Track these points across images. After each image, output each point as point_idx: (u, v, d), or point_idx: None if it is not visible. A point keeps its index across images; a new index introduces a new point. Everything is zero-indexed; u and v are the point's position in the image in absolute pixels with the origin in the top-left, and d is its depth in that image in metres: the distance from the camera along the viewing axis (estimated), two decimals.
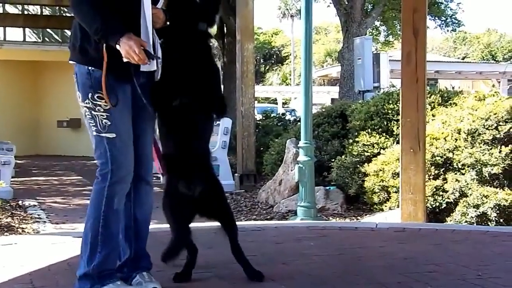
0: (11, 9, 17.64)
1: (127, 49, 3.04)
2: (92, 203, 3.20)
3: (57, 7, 16.84)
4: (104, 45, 3.08)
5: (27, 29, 18.09)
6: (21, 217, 7.40)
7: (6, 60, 17.74)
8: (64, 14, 17.86)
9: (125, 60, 3.06)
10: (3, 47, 17.62)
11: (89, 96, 3.13)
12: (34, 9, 17.66)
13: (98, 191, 3.18)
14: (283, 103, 40.99)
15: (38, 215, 7.71)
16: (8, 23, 16.81)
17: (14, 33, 18.12)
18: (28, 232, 6.51)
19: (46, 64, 18.51)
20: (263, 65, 53.33)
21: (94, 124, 3.16)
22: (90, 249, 3.15)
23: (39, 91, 18.99)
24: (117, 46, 3.05)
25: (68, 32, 18.47)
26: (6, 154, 10.30)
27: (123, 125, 3.20)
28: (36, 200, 9.02)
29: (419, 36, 5.92)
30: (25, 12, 17.67)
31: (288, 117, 15.22)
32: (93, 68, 3.13)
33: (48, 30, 18.28)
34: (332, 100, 28.87)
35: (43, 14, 17.61)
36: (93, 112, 3.14)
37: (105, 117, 3.14)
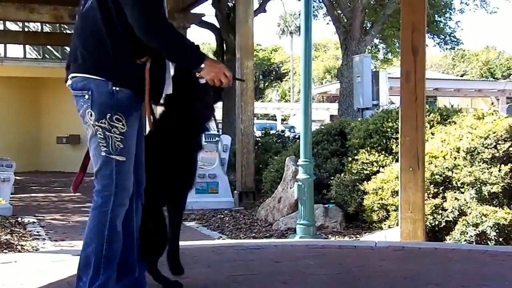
0: (11, 26, 17.72)
1: (216, 71, 3.14)
2: (94, 227, 3.13)
3: (58, 24, 16.93)
4: (148, 66, 3.09)
5: (27, 46, 18.18)
6: (20, 234, 7.39)
7: (7, 76, 17.80)
8: (64, 31, 17.97)
9: (204, 82, 3.19)
10: (4, 63, 17.71)
11: (107, 116, 3.06)
12: (34, 26, 17.75)
13: (100, 215, 3.13)
14: (282, 120, 41.06)
15: (38, 232, 7.70)
16: (9, 40, 16.91)
17: (15, 50, 18.21)
18: (27, 250, 6.50)
19: (46, 81, 18.56)
20: (262, 82, 53.48)
21: (105, 145, 3.09)
22: (93, 271, 3.10)
23: (39, 108, 19.03)
24: (202, 67, 3.13)
25: (68, 49, 18.62)
26: (5, 170, 10.32)
27: (132, 149, 3.18)
28: (36, 217, 9.01)
29: (418, 55, 5.95)
30: (26, 29, 17.76)
31: (287, 134, 15.25)
32: (117, 89, 3.06)
33: (49, 47, 18.38)
34: (331, 117, 28.96)
35: (44, 31, 17.70)
36: (107, 133, 3.08)
37: (119, 139, 3.09)
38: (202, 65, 3.13)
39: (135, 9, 3.01)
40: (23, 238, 7.15)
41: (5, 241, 6.76)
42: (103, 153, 3.11)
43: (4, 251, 6.23)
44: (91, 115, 3.09)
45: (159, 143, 3.44)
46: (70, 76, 3.17)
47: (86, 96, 3.08)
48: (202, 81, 3.25)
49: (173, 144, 3.45)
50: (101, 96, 3.06)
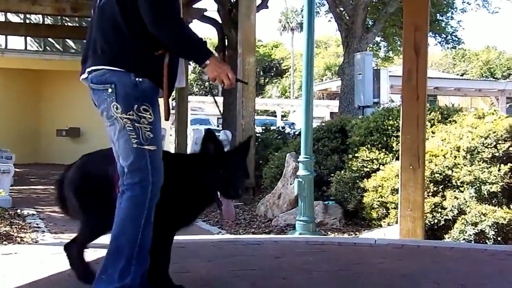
0: (13, 17, 17.71)
1: (219, 70, 3.13)
2: (129, 217, 3.11)
3: (59, 17, 16.91)
4: (166, 58, 3.11)
5: (28, 38, 18.17)
6: (19, 226, 7.41)
7: (7, 68, 17.81)
8: (65, 24, 17.95)
9: (211, 80, 3.15)
10: (5, 55, 17.70)
11: (135, 108, 3.07)
12: (36, 18, 17.73)
13: (139, 204, 3.11)
14: (282, 116, 41.07)
15: (37, 224, 7.71)
16: (10, 32, 16.88)
17: (16, 42, 18.19)
18: (27, 242, 6.51)
19: (46, 73, 18.58)
20: (263, 78, 53.47)
21: (135, 136, 3.08)
22: (125, 263, 3.08)
23: (39, 100, 19.04)
24: (206, 64, 3.12)
25: (70, 42, 18.62)
26: (5, 162, 10.32)
27: (160, 136, 3.19)
28: (35, 209, 9.02)
29: (420, 54, 5.96)
30: (27, 21, 17.74)
31: (287, 130, 15.26)
32: (141, 79, 3.08)
33: (50, 39, 18.36)
34: (331, 114, 28.97)
35: (45, 23, 17.68)
36: (136, 124, 3.08)
37: (148, 129, 3.09)
38: (207, 61, 3.13)
39: (147, 3, 3.03)
40: (22, 230, 7.17)
41: (4, 232, 6.77)
42: (135, 145, 3.09)
43: (4, 242, 6.25)
44: (116, 108, 3.08)
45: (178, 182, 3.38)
46: (89, 69, 3.15)
47: (110, 90, 3.08)
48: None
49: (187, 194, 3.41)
50: (126, 88, 3.07)
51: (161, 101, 3.22)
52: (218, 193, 3.34)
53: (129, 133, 3.09)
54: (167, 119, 3.26)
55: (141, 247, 3.12)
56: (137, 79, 3.08)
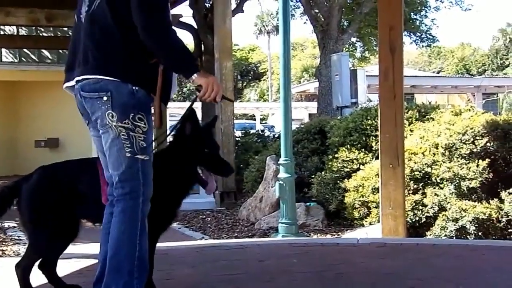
0: None
1: (208, 82, 3.08)
2: (125, 230, 3.08)
3: (34, 27, 16.76)
4: (161, 68, 3.08)
5: (3, 49, 17.99)
6: (1, 239, 7.34)
7: None
8: (40, 34, 17.80)
9: (202, 92, 3.10)
10: None
11: (131, 116, 3.03)
12: (10, 30, 17.57)
13: (132, 217, 3.08)
14: (261, 119, 41.09)
15: (18, 236, 7.63)
16: None
17: None
18: (8, 254, 6.45)
19: (23, 84, 18.39)
20: (241, 82, 53.49)
21: (129, 145, 3.05)
22: (128, 277, 3.05)
23: (16, 111, 18.84)
24: (193, 77, 3.08)
25: (45, 52, 18.47)
26: None
27: (152, 147, 3.18)
28: (16, 221, 8.92)
29: (395, 53, 6.01)
30: (1, 32, 17.57)
31: (267, 133, 15.28)
32: (137, 88, 3.05)
33: (25, 50, 18.20)
34: (310, 115, 29.04)
35: (20, 34, 17.53)
36: (131, 133, 3.04)
37: (142, 138, 3.07)
38: (194, 76, 3.09)
39: (140, 8, 3.00)
40: (4, 243, 7.11)
41: None
42: (128, 154, 3.06)
43: None
44: (112, 116, 3.03)
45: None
46: (80, 78, 3.09)
47: (105, 98, 3.03)
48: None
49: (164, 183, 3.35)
50: (122, 96, 3.03)
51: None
52: (199, 171, 3.37)
53: (123, 142, 3.05)
54: (159, 126, 3.25)
55: (140, 259, 3.10)
56: (133, 87, 3.05)
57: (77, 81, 3.11)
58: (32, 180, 3.48)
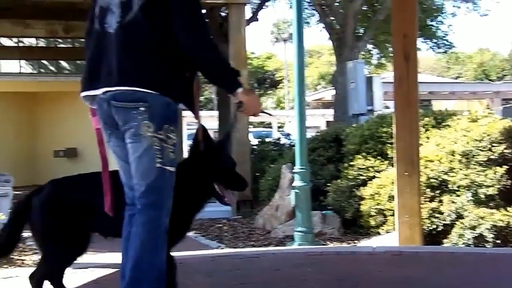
0: (6, 42, 17.75)
1: (249, 100, 3.16)
2: (146, 242, 3.09)
3: (52, 39, 16.96)
4: (196, 80, 3.16)
5: (22, 61, 18.21)
6: (20, 249, 7.38)
7: (3, 92, 17.82)
8: (58, 46, 18.00)
9: (239, 107, 3.18)
10: None
11: (165, 127, 3.07)
12: (29, 41, 17.78)
13: (154, 228, 3.10)
14: (278, 127, 41.06)
15: None
16: (4, 56, 16.92)
17: (10, 65, 18.23)
18: (27, 264, 6.50)
19: (42, 95, 18.59)
20: (257, 90, 53.52)
21: (160, 155, 3.07)
22: (148, 286, 3.08)
23: (35, 122, 19.03)
24: (237, 92, 3.13)
25: (63, 63, 18.67)
26: (4, 185, 10.29)
27: (177, 160, 3.21)
28: None
29: (410, 60, 5.98)
30: (20, 44, 17.79)
31: (283, 141, 15.27)
32: (172, 101, 3.09)
33: (44, 61, 18.40)
34: (327, 123, 28.98)
35: (38, 45, 17.73)
36: (163, 144, 3.07)
37: (172, 150, 3.11)
38: (239, 90, 3.14)
39: (186, 27, 3.04)
40: (23, 253, 7.15)
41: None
42: (158, 165, 3.08)
43: (4, 265, 6.24)
44: (148, 126, 3.05)
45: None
46: (113, 89, 3.08)
47: (142, 108, 3.04)
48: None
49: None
50: (159, 108, 3.06)
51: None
52: (215, 186, 3.38)
53: (155, 152, 3.07)
54: (202, 139, 3.29)
55: (159, 270, 3.12)
56: (169, 100, 3.09)
57: (107, 91, 3.11)
58: (43, 194, 3.51)
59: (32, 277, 3.61)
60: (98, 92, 3.15)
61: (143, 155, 3.08)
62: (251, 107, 3.18)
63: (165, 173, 3.10)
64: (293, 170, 7.35)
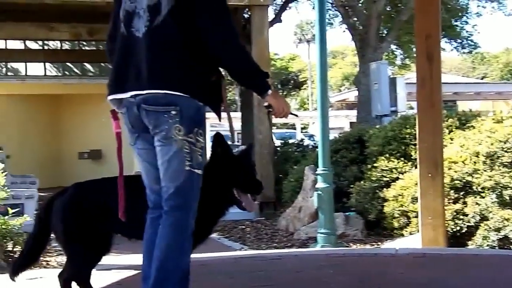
0: (32, 44, 17.96)
1: (279, 103, 3.20)
2: (173, 243, 3.11)
3: (76, 42, 17.13)
4: (223, 83, 3.20)
5: (47, 64, 18.40)
6: (45, 250, 7.46)
7: (28, 94, 18.06)
8: (83, 48, 18.17)
9: (268, 108, 3.22)
10: (25, 81, 17.94)
11: (195, 131, 3.10)
12: (54, 44, 17.96)
13: (182, 229, 3.13)
14: (302, 128, 41.01)
15: None
16: (29, 58, 17.12)
17: (35, 68, 18.44)
18: (52, 265, 6.58)
19: (66, 97, 18.80)
20: (281, 91, 53.51)
21: (189, 159, 3.09)
22: (180, 285, 3.10)
23: (60, 124, 19.25)
24: (267, 94, 3.17)
25: (88, 65, 18.84)
26: (29, 187, 10.42)
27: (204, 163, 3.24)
28: None
29: (433, 61, 5.94)
30: (45, 47, 17.98)
31: (307, 142, 15.24)
32: (201, 104, 3.12)
33: (68, 64, 18.59)
34: (351, 124, 28.88)
35: (63, 48, 17.91)
36: (193, 147, 3.10)
37: (200, 153, 3.13)
38: (269, 92, 3.17)
39: (218, 23, 3.07)
40: (48, 254, 7.23)
41: None
42: (187, 168, 3.10)
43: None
44: (179, 130, 3.07)
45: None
46: (143, 92, 3.09)
47: (174, 112, 3.06)
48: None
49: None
50: (190, 111, 3.09)
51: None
52: (234, 192, 3.41)
53: (184, 155, 3.09)
54: (233, 141, 3.34)
55: (184, 272, 3.14)
56: (199, 103, 3.12)
57: (136, 95, 3.12)
58: (65, 197, 3.57)
59: (60, 276, 3.68)
60: (126, 95, 3.16)
61: (173, 158, 3.10)
62: (280, 109, 3.21)
63: (193, 176, 3.12)
64: (316, 172, 7.33)
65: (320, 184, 7.06)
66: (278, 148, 12.60)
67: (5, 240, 6.73)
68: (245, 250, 7.32)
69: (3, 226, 6.79)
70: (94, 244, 3.51)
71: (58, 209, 3.55)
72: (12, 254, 6.40)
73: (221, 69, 3.23)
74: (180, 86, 3.06)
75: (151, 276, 3.11)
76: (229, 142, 3.60)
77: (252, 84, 3.29)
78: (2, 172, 6.88)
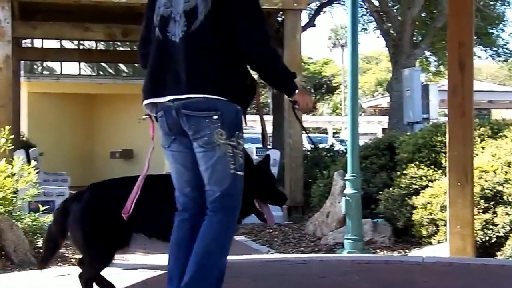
0: (67, 44, 18.25)
1: (306, 98, 3.35)
2: (219, 238, 3.17)
3: (110, 42, 17.36)
4: (258, 87, 3.30)
5: (82, 63, 18.67)
6: (73, 248, 7.56)
7: (63, 93, 18.35)
8: (117, 49, 18.40)
9: (297, 106, 3.35)
10: (60, 80, 18.24)
11: (236, 134, 3.16)
12: (88, 44, 18.22)
13: (227, 229, 3.19)
14: (334, 133, 40.88)
15: None
16: (65, 58, 17.39)
17: (70, 67, 18.74)
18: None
19: (100, 97, 19.05)
20: (314, 95, 53.36)
21: (233, 162, 3.16)
22: (213, 286, 3.15)
23: (93, 123, 19.50)
24: (295, 94, 3.31)
25: (122, 66, 19.07)
26: (61, 185, 10.58)
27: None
28: None
29: (465, 70, 5.88)
30: (80, 47, 18.25)
31: (338, 147, 15.20)
32: (239, 107, 3.19)
33: (102, 64, 18.84)
34: (383, 130, 28.72)
35: (97, 48, 18.16)
36: (235, 150, 3.15)
37: (241, 155, 3.20)
38: (296, 91, 3.30)
39: (252, 27, 3.16)
40: (77, 252, 7.32)
41: (59, 254, 6.92)
42: (232, 171, 3.16)
43: (59, 264, 6.41)
44: (221, 134, 3.11)
45: None
46: (183, 97, 3.12)
47: (215, 117, 3.10)
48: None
49: None
50: (231, 115, 3.14)
51: None
52: (255, 203, 3.44)
53: (229, 159, 3.14)
54: (265, 146, 3.39)
55: (221, 272, 3.19)
56: (238, 107, 3.18)
57: (175, 99, 3.14)
58: (83, 199, 3.62)
59: (80, 277, 3.73)
60: (164, 99, 3.19)
61: (217, 163, 3.14)
62: (305, 104, 3.32)
63: (237, 179, 3.19)
64: (345, 177, 7.31)
65: (349, 190, 7.04)
66: (308, 153, 12.59)
67: (35, 237, 6.86)
68: (272, 253, 7.34)
69: (34, 223, 6.93)
70: (112, 246, 3.55)
71: (76, 212, 3.60)
72: (42, 251, 6.52)
73: (252, 72, 3.29)
74: (220, 90, 3.10)
75: (186, 272, 3.13)
76: (260, 146, 3.65)
77: (281, 86, 3.40)
78: (35, 170, 7.00)
